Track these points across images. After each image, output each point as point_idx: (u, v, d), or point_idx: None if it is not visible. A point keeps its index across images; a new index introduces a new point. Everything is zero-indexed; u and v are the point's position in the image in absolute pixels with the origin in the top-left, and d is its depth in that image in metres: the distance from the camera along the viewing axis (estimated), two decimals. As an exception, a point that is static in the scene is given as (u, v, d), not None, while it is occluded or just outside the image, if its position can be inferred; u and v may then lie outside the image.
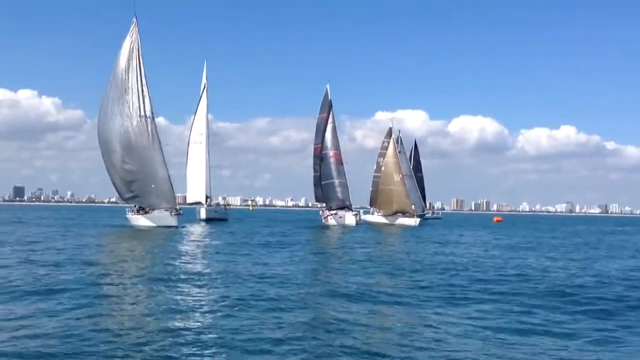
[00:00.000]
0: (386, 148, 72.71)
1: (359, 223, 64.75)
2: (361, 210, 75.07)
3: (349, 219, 64.04)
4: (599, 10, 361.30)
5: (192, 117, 77.54)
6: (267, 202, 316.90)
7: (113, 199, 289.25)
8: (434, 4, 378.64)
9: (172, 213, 55.37)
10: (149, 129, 56.85)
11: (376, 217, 72.39)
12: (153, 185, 55.49)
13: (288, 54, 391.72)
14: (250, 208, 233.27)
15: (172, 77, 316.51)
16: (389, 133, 74.35)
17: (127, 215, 58.85)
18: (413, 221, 68.81)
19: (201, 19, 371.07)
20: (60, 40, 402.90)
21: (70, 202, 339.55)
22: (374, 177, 75.16)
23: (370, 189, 75.79)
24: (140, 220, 56.22)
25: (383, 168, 70.10)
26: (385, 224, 68.55)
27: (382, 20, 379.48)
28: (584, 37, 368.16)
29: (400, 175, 68.80)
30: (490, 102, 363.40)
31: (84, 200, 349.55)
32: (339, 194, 65.93)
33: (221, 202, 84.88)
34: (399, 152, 73.19)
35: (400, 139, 79.54)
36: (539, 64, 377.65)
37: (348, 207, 66.09)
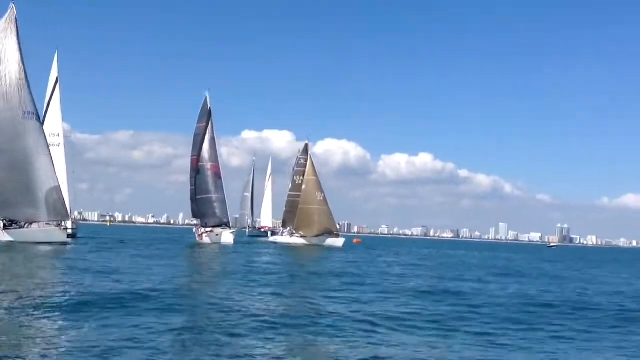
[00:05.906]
0: (303, 165, 68.16)
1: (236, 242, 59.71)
2: (269, 232, 69.62)
3: (227, 237, 59.00)
4: (456, 52, 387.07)
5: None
6: (127, 219, 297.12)
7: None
8: (305, 25, 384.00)
9: (62, 227, 47.49)
10: (34, 129, 47.75)
11: (291, 239, 66.68)
12: (40, 195, 46.40)
13: (150, 67, 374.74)
14: (108, 224, 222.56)
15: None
16: (305, 150, 69.52)
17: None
18: (340, 241, 65.48)
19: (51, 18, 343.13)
20: None
21: None
22: (289, 195, 70.22)
23: (284, 208, 70.73)
24: (13, 236, 46.14)
25: (304, 186, 65.21)
26: (306, 245, 63.36)
27: (249, 40, 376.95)
28: (440, 75, 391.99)
29: (322, 194, 64.44)
30: (353, 126, 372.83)
31: None
32: (217, 210, 61.20)
33: (77, 217, 73.90)
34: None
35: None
36: (398, 91, 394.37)
37: (226, 225, 61.53)
